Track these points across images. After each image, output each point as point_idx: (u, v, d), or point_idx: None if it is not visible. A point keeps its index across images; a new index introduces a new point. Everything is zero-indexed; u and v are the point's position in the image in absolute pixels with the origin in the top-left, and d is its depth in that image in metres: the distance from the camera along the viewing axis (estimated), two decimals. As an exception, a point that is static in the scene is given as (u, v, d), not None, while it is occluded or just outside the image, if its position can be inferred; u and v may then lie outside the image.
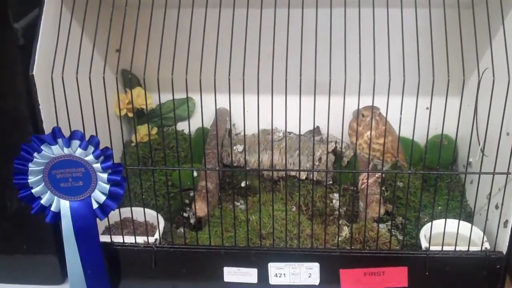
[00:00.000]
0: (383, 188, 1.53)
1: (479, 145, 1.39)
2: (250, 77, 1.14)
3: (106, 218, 1.23)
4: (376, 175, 1.39)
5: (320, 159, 1.60)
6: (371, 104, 1.25)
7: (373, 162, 1.39)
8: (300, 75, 1.15)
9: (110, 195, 1.21)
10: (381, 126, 1.31)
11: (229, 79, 1.13)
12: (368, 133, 1.30)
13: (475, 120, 1.25)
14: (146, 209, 1.40)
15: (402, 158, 1.39)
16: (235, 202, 1.53)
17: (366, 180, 1.39)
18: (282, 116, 1.17)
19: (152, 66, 1.15)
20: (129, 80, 1.66)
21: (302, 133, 1.68)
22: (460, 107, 1.18)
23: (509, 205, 1.22)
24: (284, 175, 1.60)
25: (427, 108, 1.32)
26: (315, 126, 1.67)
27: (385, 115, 1.27)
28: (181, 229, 1.46)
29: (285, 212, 1.35)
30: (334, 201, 1.54)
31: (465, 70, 1.13)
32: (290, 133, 1.68)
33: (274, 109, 1.15)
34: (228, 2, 1.15)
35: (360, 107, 1.30)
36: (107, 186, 1.20)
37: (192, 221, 1.49)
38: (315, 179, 1.58)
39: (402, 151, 1.39)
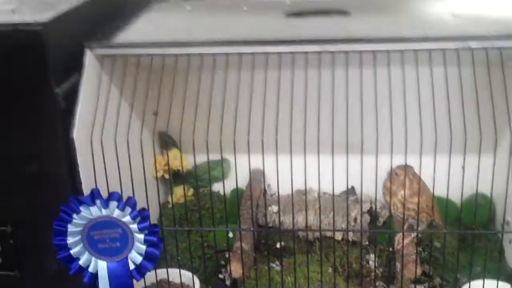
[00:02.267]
0: (419, 249, 1.51)
1: None
2: (283, 138, 1.16)
3: (143, 279, 1.24)
4: (412, 235, 1.38)
5: (355, 219, 1.60)
6: (403, 164, 1.26)
7: (408, 222, 1.39)
8: (332, 135, 1.17)
9: (147, 256, 1.22)
10: (415, 185, 1.31)
11: (262, 140, 1.15)
12: (402, 192, 1.30)
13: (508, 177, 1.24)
14: (182, 271, 1.41)
15: (438, 217, 1.38)
16: (271, 264, 1.53)
17: (402, 241, 1.38)
18: (316, 176, 1.17)
19: (188, 128, 1.18)
20: (165, 143, 1.69)
21: (336, 193, 1.68)
22: (493, 165, 1.16)
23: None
24: (319, 236, 1.60)
25: (462, 167, 1.34)
26: (350, 187, 1.68)
27: (418, 174, 1.27)
28: (217, 291, 1.46)
29: (321, 274, 1.34)
30: (370, 262, 1.53)
31: (498, 128, 1.13)
32: (324, 193, 1.68)
33: (309, 169, 1.17)
34: (260, 64, 1.19)
35: (394, 166, 1.30)
36: (144, 247, 1.21)
37: (227, 282, 1.49)
38: (350, 239, 1.57)
39: (437, 210, 1.38)
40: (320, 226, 1.44)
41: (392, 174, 1.32)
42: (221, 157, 1.20)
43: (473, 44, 1.15)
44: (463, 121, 1.16)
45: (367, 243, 1.59)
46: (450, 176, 1.16)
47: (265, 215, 1.63)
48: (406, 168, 1.28)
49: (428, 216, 1.35)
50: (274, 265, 1.54)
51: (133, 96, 1.22)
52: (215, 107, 1.19)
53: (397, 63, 1.17)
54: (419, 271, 1.33)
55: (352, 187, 1.70)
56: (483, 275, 1.29)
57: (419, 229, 1.35)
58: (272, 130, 1.16)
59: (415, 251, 1.36)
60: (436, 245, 1.56)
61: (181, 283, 1.39)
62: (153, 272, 1.28)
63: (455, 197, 1.56)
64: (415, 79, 1.17)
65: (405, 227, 1.39)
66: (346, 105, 1.18)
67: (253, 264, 1.50)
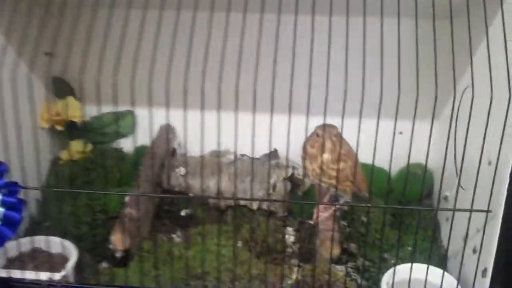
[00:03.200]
0: (344, 223, 1.32)
1: (457, 176, 1.18)
2: (195, 90, 0.94)
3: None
4: (333, 208, 1.18)
5: (274, 187, 1.39)
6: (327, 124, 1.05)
7: (330, 192, 1.18)
8: (255, 90, 0.93)
9: (6, 221, 0.99)
10: (338, 149, 1.10)
11: (167, 91, 0.92)
12: (323, 156, 1.09)
13: (448, 144, 1.04)
14: (64, 240, 1.18)
15: (364, 187, 1.18)
16: (172, 234, 1.31)
17: (321, 214, 1.18)
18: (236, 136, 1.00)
19: (89, 74, 0.94)
20: (60, 89, 1.45)
21: (257, 156, 1.47)
22: (430, 131, 0.96)
23: (489, 249, 1.01)
24: (232, 204, 1.39)
25: (400, 133, 1.16)
26: (272, 149, 1.47)
27: (343, 137, 1.07)
28: (104, 264, 1.23)
29: (233, 250, 1.13)
30: (287, 236, 1.32)
31: (443, 90, 0.93)
32: (243, 155, 1.47)
33: (226, 128, 0.98)
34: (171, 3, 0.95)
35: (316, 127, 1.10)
36: (1, 210, 0.98)
37: (118, 254, 1.26)
38: (267, 209, 1.37)
39: (363, 180, 1.18)
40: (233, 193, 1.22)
41: (312, 136, 1.12)
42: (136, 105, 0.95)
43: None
44: (398, 80, 0.94)
45: (286, 214, 1.38)
46: (383, 142, 0.96)
47: (169, 178, 1.40)
48: (325, 128, 1.07)
49: (353, 185, 1.15)
50: (175, 235, 1.32)
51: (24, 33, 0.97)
52: (126, 50, 0.95)
53: (325, 13, 0.95)
54: (337, 250, 1.13)
55: (275, 150, 1.48)
56: (411, 258, 1.10)
57: (341, 201, 1.15)
58: (182, 81, 0.93)
59: (335, 226, 1.16)
60: (364, 220, 1.36)
61: (49, 254, 1.16)
62: (28, 239, 1.10)
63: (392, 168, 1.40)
64: (344, 29, 0.96)
65: (325, 198, 1.19)
66: (274, 57, 0.94)
67: (149, 235, 1.28)
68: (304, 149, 1.13)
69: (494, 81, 0.93)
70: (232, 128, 1.01)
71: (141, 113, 1.49)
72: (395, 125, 0.96)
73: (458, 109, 1.24)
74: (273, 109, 0.93)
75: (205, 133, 0.99)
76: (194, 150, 1.46)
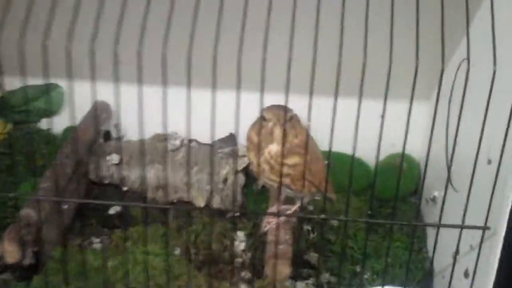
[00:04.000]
0: (308, 227, 1.07)
1: (448, 173, 0.94)
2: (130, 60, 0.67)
3: None
4: (287, 213, 0.92)
5: (225, 180, 1.13)
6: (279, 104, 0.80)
7: (286, 193, 0.93)
8: (215, 62, 0.66)
9: None
10: (293, 138, 0.84)
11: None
12: (271, 147, 0.84)
13: (433, 132, 0.78)
14: None
15: (329, 188, 0.92)
16: (94, 239, 1.06)
17: (272, 220, 0.92)
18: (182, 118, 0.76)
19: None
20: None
21: (210, 141, 1.21)
22: (409, 112, 0.71)
23: (485, 274, 0.75)
24: (175, 201, 1.14)
25: (381, 116, 0.92)
26: (228, 134, 1.21)
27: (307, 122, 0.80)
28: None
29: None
30: (237, 243, 1.07)
31: (434, 63, 0.68)
32: (191, 141, 1.21)
33: (174, 107, 0.75)
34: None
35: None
36: None
37: (27, 262, 1.01)
38: (216, 207, 1.12)
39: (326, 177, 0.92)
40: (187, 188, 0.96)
41: (258, 120, 0.86)
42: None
43: None
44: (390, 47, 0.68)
45: (238, 214, 1.13)
46: (361, 128, 0.72)
47: (98, 168, 1.14)
48: (274, 110, 0.81)
49: (313, 186, 0.89)
50: (97, 240, 1.07)
51: None
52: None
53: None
54: (286, 270, 0.87)
55: (232, 135, 1.23)
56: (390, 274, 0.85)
57: (298, 203, 0.90)
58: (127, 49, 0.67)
59: (288, 236, 0.90)
60: (333, 224, 1.11)
61: None
62: None
63: (371, 158, 1.15)
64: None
65: (275, 204, 0.94)
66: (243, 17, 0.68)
67: (63, 239, 1.03)
68: (248, 136, 0.87)
69: (498, 51, 0.67)
70: (182, 106, 0.77)
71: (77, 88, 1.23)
72: (384, 106, 0.70)
73: (452, 87, 0.98)
74: (240, 84, 0.67)
75: (148, 112, 0.74)
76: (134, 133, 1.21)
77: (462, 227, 0.71)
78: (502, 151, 0.68)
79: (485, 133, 0.68)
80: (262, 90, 0.69)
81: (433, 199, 1.05)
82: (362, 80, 0.67)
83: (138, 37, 0.65)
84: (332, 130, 0.69)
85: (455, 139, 0.73)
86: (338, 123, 0.72)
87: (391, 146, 1.17)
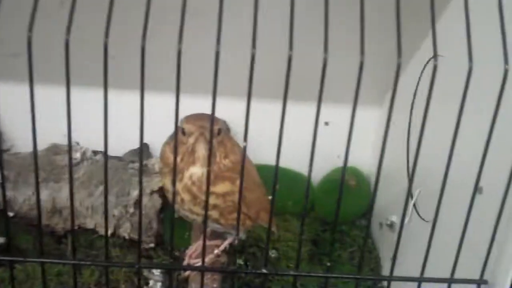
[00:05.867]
0: (240, 261, 0.87)
1: (411, 197, 0.77)
2: None
3: None
4: (215, 252, 0.71)
5: (135, 203, 0.92)
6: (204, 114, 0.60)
7: (212, 228, 0.72)
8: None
9: None
10: (222, 159, 0.63)
11: None
12: (193, 170, 0.63)
13: (386, 138, 0.59)
14: None
15: (267, 220, 0.72)
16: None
17: (195, 261, 0.71)
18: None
19: None
20: None
21: (120, 154, 1.00)
22: (352, 116, 0.55)
23: None
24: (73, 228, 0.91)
25: (326, 124, 0.91)
26: (143, 143, 0.99)
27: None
28: None
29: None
30: (152, 283, 0.85)
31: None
32: (96, 153, 0.99)
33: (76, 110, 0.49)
34: None
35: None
36: None
37: None
38: (126, 236, 0.90)
39: (268, 207, 0.72)
40: (72, 212, 0.73)
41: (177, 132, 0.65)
42: None
43: None
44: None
45: (152, 245, 0.91)
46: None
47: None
48: (197, 122, 0.60)
49: (248, 219, 0.69)
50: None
51: None
52: None
53: None
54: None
55: (146, 145, 1.01)
56: None
57: (229, 240, 0.70)
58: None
59: (216, 284, 0.69)
60: (272, 254, 0.91)
61: None
62: None
63: (314, 175, 0.96)
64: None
65: (201, 239, 0.73)
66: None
67: None
68: (162, 154, 0.66)
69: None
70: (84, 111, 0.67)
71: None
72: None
73: (416, 90, 0.81)
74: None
75: (43, 118, 0.55)
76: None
77: (450, 281, 0.52)
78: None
79: (474, 153, 0.50)
80: (177, 93, 0.48)
81: (391, 225, 0.87)
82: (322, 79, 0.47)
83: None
84: (279, 141, 0.49)
85: (417, 152, 0.54)
86: (273, 131, 0.53)
87: (336, 158, 0.99)
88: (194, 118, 0.62)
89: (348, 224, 0.99)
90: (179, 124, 0.63)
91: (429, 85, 0.47)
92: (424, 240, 0.57)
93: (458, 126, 0.49)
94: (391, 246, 0.87)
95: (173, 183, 0.51)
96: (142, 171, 0.92)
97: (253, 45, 0.44)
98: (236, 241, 0.53)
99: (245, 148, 0.48)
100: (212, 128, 0.49)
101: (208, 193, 0.51)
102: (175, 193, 0.52)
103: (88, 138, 0.90)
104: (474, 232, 0.53)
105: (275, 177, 0.50)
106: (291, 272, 0.52)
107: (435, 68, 0.46)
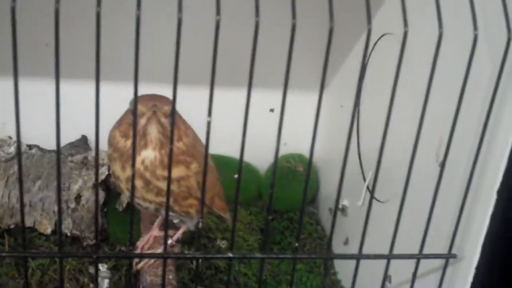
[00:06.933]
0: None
1: (364, 179, 0.77)
2: None
3: None
4: (169, 242, 0.68)
5: (79, 197, 0.87)
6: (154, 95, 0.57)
7: (161, 215, 0.69)
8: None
9: None
10: (176, 142, 0.60)
11: None
12: (145, 154, 0.59)
13: (317, 121, 0.58)
14: None
15: (221, 205, 0.70)
16: None
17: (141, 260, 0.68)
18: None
19: None
20: None
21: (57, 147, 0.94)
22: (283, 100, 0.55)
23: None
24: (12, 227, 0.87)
25: (271, 111, 0.90)
26: (80, 136, 0.96)
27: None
28: None
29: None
30: (99, 279, 0.81)
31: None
32: (31, 147, 0.94)
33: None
34: None
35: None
36: None
37: None
38: (68, 234, 0.86)
39: (221, 193, 0.69)
40: (22, 206, 0.67)
41: (125, 116, 0.61)
42: None
43: None
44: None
45: (96, 240, 0.87)
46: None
47: None
48: (148, 103, 0.57)
49: (199, 204, 0.66)
50: None
51: None
52: None
53: None
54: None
55: (84, 138, 0.97)
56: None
57: (182, 230, 0.67)
58: None
59: (172, 276, 0.66)
60: (221, 246, 0.89)
61: None
62: None
63: (261, 162, 0.98)
64: None
65: (153, 230, 0.70)
66: None
67: None
68: (111, 140, 0.62)
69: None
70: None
71: None
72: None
73: (364, 67, 0.80)
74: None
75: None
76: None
77: (419, 256, 0.51)
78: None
79: (432, 126, 0.49)
80: (134, 82, 0.44)
81: (343, 210, 0.86)
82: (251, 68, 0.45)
83: None
84: (244, 128, 0.46)
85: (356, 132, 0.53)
86: (218, 119, 0.51)
87: (283, 145, 0.98)
88: (145, 98, 0.58)
89: (296, 211, 0.98)
90: (128, 105, 0.60)
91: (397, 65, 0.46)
92: (381, 221, 0.57)
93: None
94: (344, 231, 0.86)
95: (133, 165, 0.48)
96: (87, 163, 0.88)
97: (217, 12, 0.42)
98: (200, 224, 0.50)
99: (209, 123, 0.46)
100: (165, 108, 0.46)
101: (170, 178, 0.48)
102: (134, 175, 0.49)
103: (21, 131, 0.85)
104: (439, 208, 0.53)
105: (239, 166, 0.48)
106: (258, 255, 0.50)
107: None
